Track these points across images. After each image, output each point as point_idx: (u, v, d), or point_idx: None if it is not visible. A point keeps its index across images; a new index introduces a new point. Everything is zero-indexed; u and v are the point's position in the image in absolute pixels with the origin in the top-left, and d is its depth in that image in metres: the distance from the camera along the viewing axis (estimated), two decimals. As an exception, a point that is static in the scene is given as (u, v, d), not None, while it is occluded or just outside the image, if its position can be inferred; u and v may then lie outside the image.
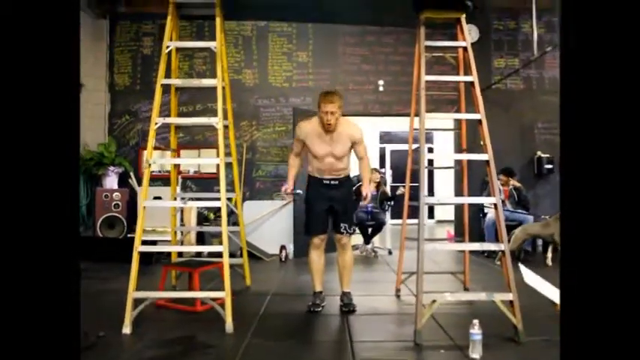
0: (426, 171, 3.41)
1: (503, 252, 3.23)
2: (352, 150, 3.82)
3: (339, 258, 3.93)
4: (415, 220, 3.38)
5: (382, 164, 12.32)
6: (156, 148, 4.17)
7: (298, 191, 4.38)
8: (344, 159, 3.80)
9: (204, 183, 7.19)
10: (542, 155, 7.37)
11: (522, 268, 3.04)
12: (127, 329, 3.20)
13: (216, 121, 3.50)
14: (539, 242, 7.01)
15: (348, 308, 3.76)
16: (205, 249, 3.95)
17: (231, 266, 3.65)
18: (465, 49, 3.70)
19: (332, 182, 3.80)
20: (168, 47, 3.60)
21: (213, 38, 3.78)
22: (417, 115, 3.84)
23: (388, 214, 7.25)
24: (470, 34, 6.26)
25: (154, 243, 5.88)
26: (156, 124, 3.48)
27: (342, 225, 3.82)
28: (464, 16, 3.75)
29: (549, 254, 5.95)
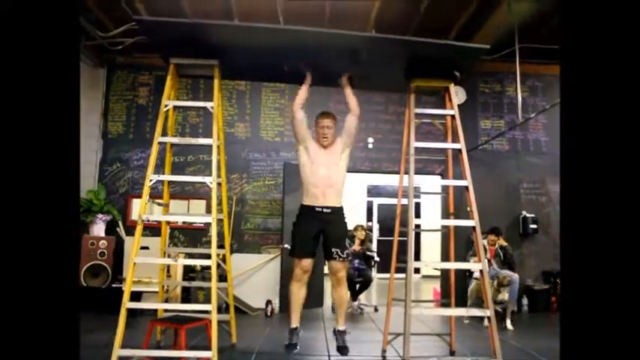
0: (413, 233, 3.50)
1: (489, 318, 3.28)
2: (344, 149, 3.97)
3: (333, 293, 3.94)
4: (402, 275, 3.44)
5: (369, 217, 12.43)
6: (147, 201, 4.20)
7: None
8: (338, 177, 3.85)
9: (192, 234, 7.19)
10: (528, 215, 7.51)
11: None
12: (110, 388, 3.17)
13: (210, 180, 3.58)
14: (525, 301, 7.06)
15: (343, 353, 3.75)
16: (193, 307, 3.94)
17: (218, 322, 3.64)
18: (452, 116, 3.87)
19: (324, 210, 3.74)
20: (166, 106, 3.71)
21: (208, 92, 3.91)
22: (405, 173, 3.95)
23: (374, 270, 7.29)
24: (457, 95, 6.51)
25: (139, 294, 5.84)
26: (150, 181, 3.54)
27: (333, 250, 3.70)
28: (452, 84, 3.94)
29: (508, 319, 5.91)
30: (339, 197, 3.88)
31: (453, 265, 4.18)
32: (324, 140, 3.86)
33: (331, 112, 4.06)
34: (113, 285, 6.19)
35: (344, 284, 3.87)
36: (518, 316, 6.57)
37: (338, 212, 3.85)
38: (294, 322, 3.85)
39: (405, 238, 3.48)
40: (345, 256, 3.75)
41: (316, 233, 3.75)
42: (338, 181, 3.84)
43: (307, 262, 3.75)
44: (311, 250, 3.77)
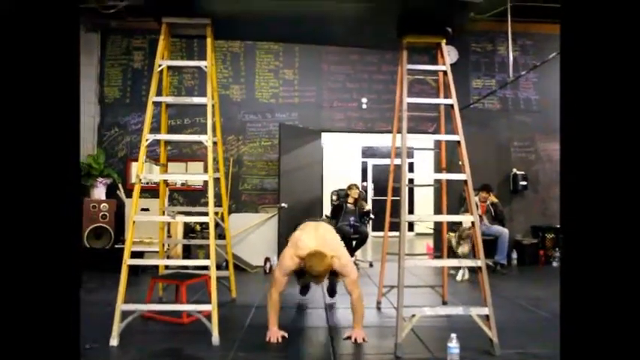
0: (406, 188, 3.47)
1: (479, 268, 3.29)
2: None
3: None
4: (396, 233, 3.43)
5: (364, 178, 12.43)
6: (145, 161, 4.15)
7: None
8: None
9: (191, 195, 7.18)
10: (518, 172, 7.51)
11: None
12: (114, 341, 3.18)
13: (206, 139, 3.51)
14: (515, 255, 7.13)
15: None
16: (192, 263, 3.93)
17: (217, 279, 3.65)
18: (445, 72, 3.78)
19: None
20: (160, 66, 3.61)
21: (202, 54, 3.81)
22: (398, 132, 3.90)
23: (370, 227, 7.32)
24: (449, 55, 6.39)
25: (141, 254, 5.85)
26: (147, 140, 3.48)
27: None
28: (444, 41, 3.83)
29: (461, 271, 5.90)
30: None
31: (445, 218, 4.17)
32: (314, 280, 3.45)
33: (325, 258, 3.26)
34: (116, 246, 6.20)
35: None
36: (507, 269, 6.63)
37: None
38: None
39: (399, 198, 3.45)
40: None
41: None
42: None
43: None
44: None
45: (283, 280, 3.40)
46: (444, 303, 4.41)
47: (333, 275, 3.65)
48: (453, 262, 3.84)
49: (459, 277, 5.80)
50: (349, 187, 7.22)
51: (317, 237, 3.44)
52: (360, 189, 7.48)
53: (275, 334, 3.34)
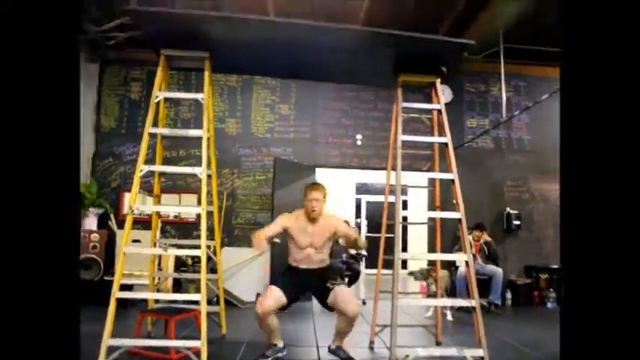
0: (400, 226, 3.46)
1: (474, 308, 3.26)
2: (335, 238, 3.74)
3: (339, 320, 3.57)
4: (390, 271, 3.40)
5: (358, 214, 12.40)
6: (138, 192, 4.12)
7: (276, 240, 4.26)
8: (323, 251, 3.72)
9: (183, 228, 7.12)
10: (511, 211, 7.53)
11: None
12: (98, 377, 3.10)
13: (200, 171, 3.51)
14: (509, 295, 7.08)
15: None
16: (183, 297, 3.86)
17: (208, 314, 3.59)
18: (439, 111, 3.83)
19: (310, 267, 3.68)
20: (157, 97, 3.64)
21: (199, 87, 3.84)
22: (393, 169, 3.91)
23: (363, 264, 7.25)
24: (444, 94, 6.49)
25: (130, 287, 5.75)
26: (141, 171, 3.47)
27: (328, 284, 3.54)
28: (439, 80, 3.90)
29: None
30: (325, 260, 3.77)
31: (438, 257, 4.14)
32: (312, 213, 3.64)
33: (321, 185, 3.81)
34: (105, 278, 6.10)
35: (350, 306, 3.41)
36: (501, 309, 6.57)
37: (322, 269, 3.75)
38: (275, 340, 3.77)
39: (393, 235, 3.44)
40: (338, 282, 3.61)
41: (300, 283, 3.64)
42: (323, 250, 3.72)
43: (280, 295, 3.52)
44: (289, 295, 3.55)
45: (275, 228, 3.66)
46: (438, 343, 4.34)
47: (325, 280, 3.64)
48: (447, 302, 3.80)
49: (449, 317, 5.73)
50: (341, 224, 7.20)
51: None
52: (354, 225, 7.46)
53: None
